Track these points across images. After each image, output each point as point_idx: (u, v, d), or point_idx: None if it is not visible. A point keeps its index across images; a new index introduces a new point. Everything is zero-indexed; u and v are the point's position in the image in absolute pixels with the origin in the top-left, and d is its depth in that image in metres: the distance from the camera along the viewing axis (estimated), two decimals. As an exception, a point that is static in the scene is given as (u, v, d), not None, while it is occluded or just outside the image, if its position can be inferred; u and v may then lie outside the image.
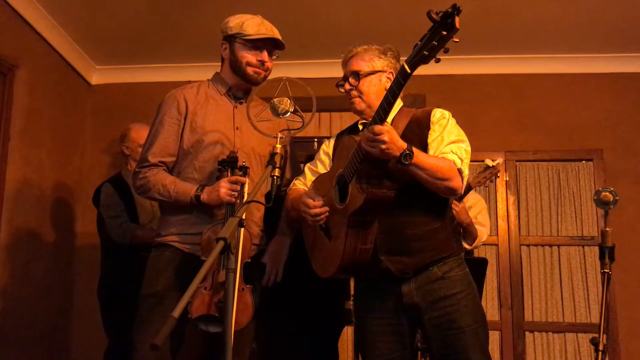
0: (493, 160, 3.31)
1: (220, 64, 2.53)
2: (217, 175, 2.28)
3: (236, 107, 2.47)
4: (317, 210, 2.09)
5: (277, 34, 2.42)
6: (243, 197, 2.18)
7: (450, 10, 1.61)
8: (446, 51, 1.67)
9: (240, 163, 2.23)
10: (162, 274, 2.29)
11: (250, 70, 2.40)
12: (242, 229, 2.03)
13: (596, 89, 4.33)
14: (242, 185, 2.19)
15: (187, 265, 2.21)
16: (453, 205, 3.15)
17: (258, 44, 2.39)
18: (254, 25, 2.38)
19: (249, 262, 2.25)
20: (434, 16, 1.62)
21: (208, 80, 2.53)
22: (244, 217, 1.79)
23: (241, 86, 2.48)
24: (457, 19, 1.61)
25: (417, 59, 1.71)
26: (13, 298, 3.57)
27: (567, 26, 3.90)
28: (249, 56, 2.39)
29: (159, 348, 1.23)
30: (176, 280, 2.25)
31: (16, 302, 3.60)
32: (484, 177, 3.30)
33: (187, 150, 2.38)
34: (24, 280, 3.69)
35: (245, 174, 2.22)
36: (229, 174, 2.22)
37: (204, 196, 2.24)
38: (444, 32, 1.63)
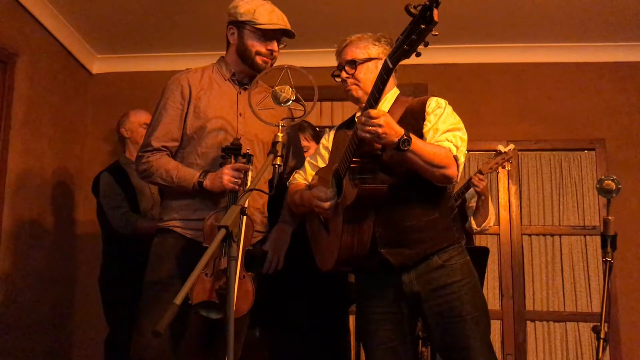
0: (505, 146, 3.29)
1: (224, 50, 2.50)
2: (220, 162, 2.27)
3: (240, 93, 2.45)
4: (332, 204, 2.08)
5: (288, 24, 2.39)
6: (246, 184, 2.17)
7: (428, 3, 1.57)
8: (426, 45, 1.64)
9: (243, 150, 2.22)
10: (166, 261, 2.29)
11: (259, 59, 2.38)
12: (244, 217, 2.03)
13: (599, 78, 4.31)
14: (246, 172, 2.18)
15: (190, 252, 2.22)
16: (479, 180, 3.19)
17: (269, 33, 2.36)
18: (265, 13, 2.35)
19: (250, 249, 2.25)
20: (413, 10, 1.60)
21: (213, 64, 2.51)
22: (246, 205, 1.79)
23: (246, 72, 2.45)
24: (435, 12, 1.57)
25: (398, 54, 1.70)
26: (15, 286, 3.58)
27: (570, 15, 3.88)
28: (258, 45, 2.36)
29: (161, 335, 1.23)
30: (179, 268, 2.25)
31: (18, 291, 3.61)
32: (496, 163, 3.30)
33: (191, 136, 2.37)
34: (26, 269, 3.70)
35: (248, 161, 2.21)
36: (233, 161, 2.21)
37: (206, 182, 2.24)
38: (423, 26, 1.59)
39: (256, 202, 2.43)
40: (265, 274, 2.44)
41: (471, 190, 3.34)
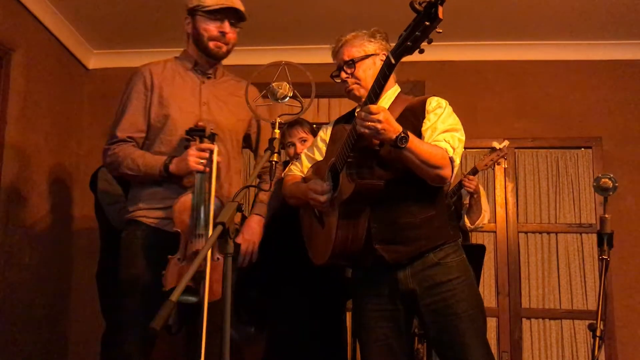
0: (500, 143, 3.30)
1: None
2: (184, 144, 2.24)
3: (203, 83, 2.45)
4: (328, 197, 2.08)
5: (237, 4, 2.36)
6: (212, 164, 2.16)
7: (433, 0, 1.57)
8: (429, 42, 1.64)
9: (208, 132, 2.21)
10: (136, 256, 2.29)
11: (212, 44, 2.36)
12: (212, 202, 2.06)
13: (596, 76, 4.32)
14: (211, 152, 2.17)
15: (159, 243, 2.22)
16: (469, 180, 3.19)
17: (218, 15, 2.34)
18: None
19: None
20: (417, 6, 1.59)
21: (175, 57, 2.50)
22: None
23: (207, 62, 2.44)
24: (440, 9, 1.57)
25: (401, 50, 1.70)
26: (11, 282, 3.57)
27: (567, 13, 3.88)
28: (210, 28, 2.35)
29: (157, 332, 1.23)
30: (150, 261, 2.24)
31: (14, 287, 3.60)
32: (491, 160, 3.30)
33: (155, 125, 2.37)
34: (21, 265, 3.69)
35: (213, 141, 2.20)
36: (198, 143, 2.20)
37: (172, 166, 2.23)
38: (427, 23, 1.59)
39: (225, 190, 2.41)
40: (240, 267, 2.43)
41: None
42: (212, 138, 2.20)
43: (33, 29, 3.81)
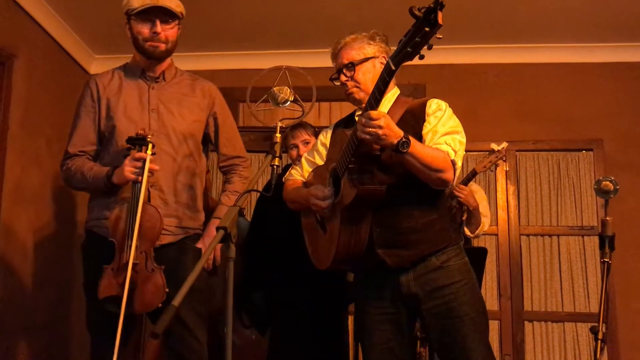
0: (498, 144, 3.28)
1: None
2: (124, 154, 2.25)
3: (152, 88, 2.44)
4: (329, 203, 2.08)
5: (163, 2, 2.32)
6: (143, 173, 2.15)
7: (432, 5, 1.56)
8: (429, 47, 1.64)
9: (149, 139, 2.20)
10: (89, 263, 2.38)
11: (147, 45, 2.36)
12: (140, 206, 2.09)
13: (597, 78, 4.32)
14: (144, 161, 2.16)
15: (105, 250, 2.23)
16: (460, 190, 3.16)
17: (146, 16, 2.33)
18: None
19: (164, 244, 2.27)
20: (417, 12, 1.59)
21: (124, 64, 2.51)
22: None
23: (151, 65, 2.44)
24: (440, 15, 1.56)
25: (401, 56, 1.70)
26: (13, 287, 3.58)
27: (568, 15, 3.88)
28: (142, 30, 2.34)
29: (159, 336, 1.24)
30: (98, 267, 2.24)
31: (16, 292, 3.61)
32: (490, 162, 3.28)
33: (104, 137, 2.40)
34: (23, 270, 3.69)
35: (145, 147, 2.19)
36: (138, 151, 2.20)
37: (114, 178, 2.26)
38: (427, 29, 1.59)
39: (180, 197, 2.41)
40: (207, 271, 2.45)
41: None
42: (144, 144, 2.18)
43: (34, 34, 3.82)
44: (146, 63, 2.43)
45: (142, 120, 2.36)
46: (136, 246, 2.09)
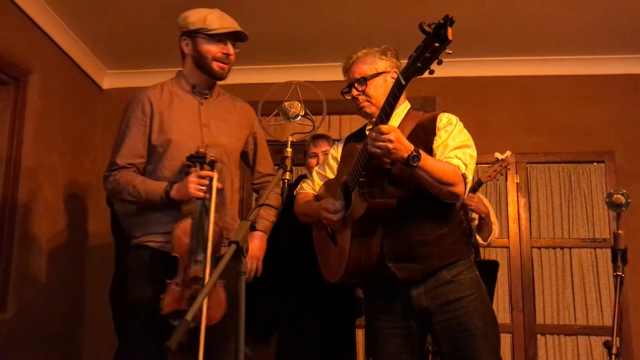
0: (502, 153, 3.28)
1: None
2: (185, 171, 2.28)
3: (202, 104, 2.48)
4: (340, 216, 2.09)
5: (238, 27, 2.42)
6: (211, 191, 2.18)
7: (442, 21, 1.58)
8: (440, 63, 1.65)
9: (208, 158, 2.24)
10: (142, 278, 2.32)
11: (215, 65, 2.40)
12: (212, 223, 2.10)
13: (608, 90, 4.31)
14: (211, 179, 2.20)
15: (164, 265, 2.24)
16: (469, 199, 3.16)
17: (222, 38, 2.39)
18: (216, 19, 2.38)
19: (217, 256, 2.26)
20: (427, 28, 1.60)
21: (171, 79, 2.53)
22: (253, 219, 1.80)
23: (205, 82, 2.48)
24: (449, 31, 1.58)
25: (411, 72, 1.71)
26: (26, 299, 3.60)
27: (577, 27, 3.88)
28: (214, 50, 2.39)
29: (172, 351, 1.25)
30: (156, 282, 2.25)
31: (29, 303, 3.63)
32: (494, 171, 3.27)
33: (156, 151, 2.39)
34: (37, 283, 3.72)
35: (213, 168, 2.23)
36: (198, 169, 2.23)
37: (173, 192, 2.26)
38: (437, 44, 1.60)
39: (228, 211, 2.45)
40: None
41: None
42: (211, 165, 2.24)
43: (48, 50, 3.88)
44: (199, 79, 2.47)
45: (195, 135, 2.40)
46: (201, 261, 2.11)
